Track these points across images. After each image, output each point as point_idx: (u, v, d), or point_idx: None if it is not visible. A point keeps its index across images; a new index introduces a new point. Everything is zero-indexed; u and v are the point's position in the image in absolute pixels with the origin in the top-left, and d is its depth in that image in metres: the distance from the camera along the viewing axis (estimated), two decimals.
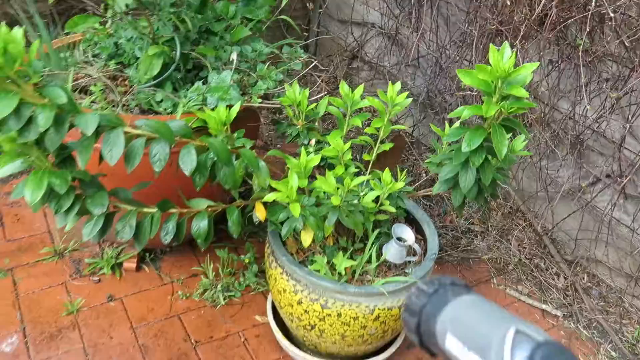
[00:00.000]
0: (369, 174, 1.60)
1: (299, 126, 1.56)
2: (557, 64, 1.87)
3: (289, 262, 1.42)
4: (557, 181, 2.06)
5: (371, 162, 1.58)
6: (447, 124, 1.55)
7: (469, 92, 2.05)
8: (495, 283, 2.05)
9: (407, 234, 1.43)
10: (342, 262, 1.41)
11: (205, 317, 1.77)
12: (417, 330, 0.43)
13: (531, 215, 2.20)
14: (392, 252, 1.41)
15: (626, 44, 1.61)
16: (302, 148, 1.55)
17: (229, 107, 1.48)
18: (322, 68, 1.80)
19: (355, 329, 1.44)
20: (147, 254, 1.92)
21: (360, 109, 1.63)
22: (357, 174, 1.54)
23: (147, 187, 1.29)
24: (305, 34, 2.98)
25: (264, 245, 1.97)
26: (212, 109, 1.50)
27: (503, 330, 0.35)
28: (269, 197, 1.26)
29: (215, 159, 1.25)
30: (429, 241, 1.58)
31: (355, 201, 1.36)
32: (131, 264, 1.87)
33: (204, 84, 1.58)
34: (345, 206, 1.33)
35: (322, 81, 1.72)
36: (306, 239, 1.36)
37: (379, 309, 1.41)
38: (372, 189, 1.44)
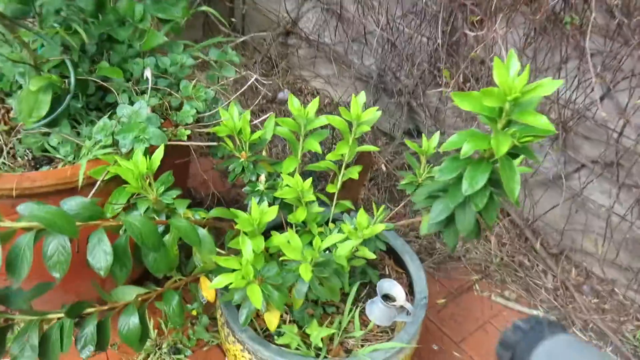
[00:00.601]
0: (335, 206, 1.30)
1: (243, 159, 1.23)
2: (533, 39, 1.60)
3: (251, 340, 1.13)
4: (535, 167, 1.83)
5: (337, 193, 1.28)
6: (424, 138, 1.26)
7: (442, 89, 1.77)
8: (479, 290, 1.83)
9: (396, 290, 1.16)
10: (318, 332, 1.13)
11: None
12: None
13: (508, 206, 1.97)
14: (377, 314, 1.14)
15: (618, 16, 1.35)
16: (250, 188, 1.23)
17: (150, 149, 1.14)
18: (263, 80, 1.45)
19: None
20: None
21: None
22: (321, 212, 1.24)
23: (50, 288, 0.94)
24: (232, 19, 2.59)
25: None
26: (127, 153, 1.15)
27: None
28: (217, 283, 0.95)
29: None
30: (414, 279, 1.32)
31: (328, 257, 1.07)
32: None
33: (111, 117, 1.21)
34: (317, 272, 1.04)
35: (265, 88, 1.40)
36: (272, 320, 1.06)
37: None
38: (345, 236, 1.15)
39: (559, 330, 0.42)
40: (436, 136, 1.26)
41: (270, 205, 1.20)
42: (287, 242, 1.06)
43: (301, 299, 1.05)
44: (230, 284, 0.94)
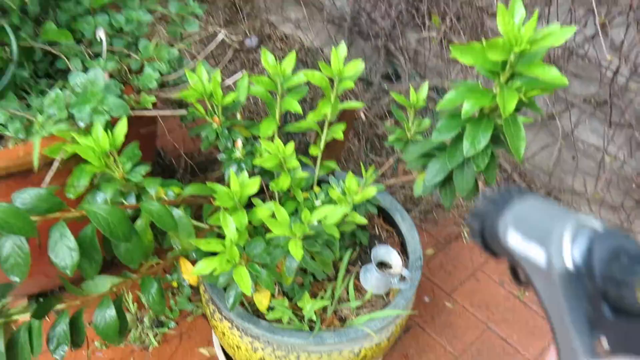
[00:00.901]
0: (320, 168, 1.21)
1: (216, 125, 1.12)
2: None
3: (240, 317, 1.06)
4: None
5: (320, 155, 1.19)
6: (412, 90, 1.16)
7: (427, 34, 1.64)
8: (467, 238, 1.79)
9: (392, 256, 1.09)
10: (311, 305, 1.06)
11: None
12: (481, 233, 0.43)
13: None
14: (373, 283, 1.07)
15: None
16: (226, 156, 1.13)
17: (112, 120, 1.03)
18: (229, 32, 1.32)
19: None
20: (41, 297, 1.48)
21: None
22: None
23: (11, 289, 0.84)
24: None
25: None
26: (85, 129, 1.04)
27: (564, 221, 0.33)
28: (200, 269, 0.86)
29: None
30: (406, 239, 1.25)
31: (318, 228, 0.98)
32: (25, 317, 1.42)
33: (64, 86, 1.08)
34: (307, 246, 0.96)
35: (234, 43, 1.26)
36: (262, 301, 0.99)
37: (365, 349, 1.10)
38: (333, 203, 1.07)
39: (527, 194, 0.42)
40: (425, 87, 1.16)
41: (250, 173, 1.11)
42: (272, 214, 0.97)
43: (291, 276, 0.97)
44: (215, 269, 0.85)
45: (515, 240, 0.38)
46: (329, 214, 1.01)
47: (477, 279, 1.67)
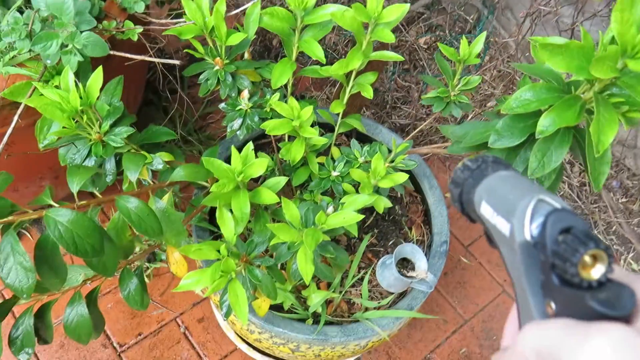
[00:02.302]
0: (340, 126, 1.01)
1: (218, 67, 0.90)
2: None
3: None
4: None
5: (341, 113, 0.98)
6: (464, 42, 0.93)
7: None
8: None
9: (417, 257, 0.92)
10: (317, 298, 0.92)
11: (128, 306, 1.30)
12: (459, 199, 0.46)
13: None
14: (391, 282, 0.92)
15: None
16: (229, 107, 0.92)
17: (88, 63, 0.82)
18: None
19: (336, 357, 1.03)
20: None
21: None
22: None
23: None
24: None
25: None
26: (50, 72, 0.83)
27: (528, 198, 0.36)
28: (187, 285, 0.70)
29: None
30: (432, 213, 1.08)
31: (334, 226, 0.82)
32: None
33: (27, 5, 0.85)
34: (320, 251, 0.79)
35: None
36: (261, 306, 0.84)
37: (372, 342, 0.98)
38: (354, 183, 0.89)
39: (501, 167, 0.45)
40: (480, 39, 0.93)
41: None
42: (279, 204, 0.80)
43: (296, 281, 0.82)
44: (206, 287, 0.70)
45: (486, 211, 0.41)
46: (348, 201, 0.84)
47: None
